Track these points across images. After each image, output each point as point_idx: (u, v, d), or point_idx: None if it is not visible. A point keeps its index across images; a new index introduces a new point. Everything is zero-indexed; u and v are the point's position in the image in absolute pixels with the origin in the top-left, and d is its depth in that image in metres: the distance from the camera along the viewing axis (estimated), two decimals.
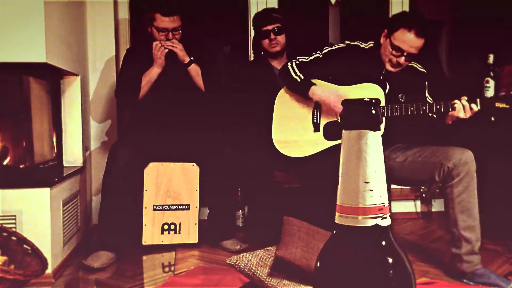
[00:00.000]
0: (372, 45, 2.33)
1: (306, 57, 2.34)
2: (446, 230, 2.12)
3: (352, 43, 2.35)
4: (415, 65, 2.35)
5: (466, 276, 2.00)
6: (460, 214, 2.00)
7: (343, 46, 2.34)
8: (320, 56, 2.32)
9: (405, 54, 2.15)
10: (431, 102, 2.24)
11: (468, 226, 2.00)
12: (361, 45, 2.33)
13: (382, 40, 2.23)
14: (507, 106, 2.00)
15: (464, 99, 2.03)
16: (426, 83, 2.35)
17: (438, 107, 2.06)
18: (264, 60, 2.76)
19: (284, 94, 2.40)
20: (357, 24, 3.76)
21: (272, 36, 2.64)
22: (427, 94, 2.34)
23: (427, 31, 2.14)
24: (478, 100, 2.03)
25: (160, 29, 2.51)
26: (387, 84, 2.25)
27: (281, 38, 2.67)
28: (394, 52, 2.16)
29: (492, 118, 2.50)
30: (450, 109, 2.05)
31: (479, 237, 2.01)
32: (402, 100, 2.26)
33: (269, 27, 2.64)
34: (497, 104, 2.02)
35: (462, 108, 2.02)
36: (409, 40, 2.12)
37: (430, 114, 2.16)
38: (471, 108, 2.02)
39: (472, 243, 2.00)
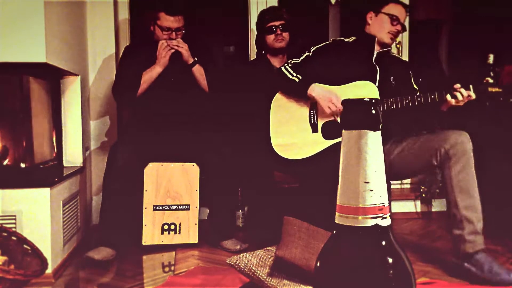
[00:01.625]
0: (355, 39, 2.44)
1: (297, 59, 2.39)
2: (448, 214, 2.08)
3: (337, 39, 2.46)
4: (397, 56, 2.48)
5: (468, 260, 1.96)
6: (459, 194, 1.99)
7: (329, 42, 2.45)
8: (310, 54, 2.38)
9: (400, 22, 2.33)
10: (417, 90, 2.38)
11: (468, 205, 1.99)
12: (345, 40, 2.45)
13: (370, 21, 2.38)
14: (500, 90, 2.07)
15: (457, 86, 2.08)
16: (410, 72, 2.44)
17: (432, 97, 2.11)
18: (265, 58, 2.77)
19: (279, 98, 2.40)
20: (357, 23, 3.76)
21: (278, 31, 2.68)
22: (412, 81, 2.42)
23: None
24: (471, 86, 2.08)
25: (164, 28, 2.51)
26: (378, 68, 2.33)
27: (286, 35, 2.72)
28: (392, 22, 2.31)
29: (487, 103, 2.57)
30: (444, 98, 2.10)
31: (481, 218, 1.99)
32: (393, 83, 2.34)
33: (276, 23, 2.69)
34: (490, 89, 2.08)
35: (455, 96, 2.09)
36: (400, 11, 2.33)
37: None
38: (464, 95, 2.07)
39: (474, 222, 1.97)
